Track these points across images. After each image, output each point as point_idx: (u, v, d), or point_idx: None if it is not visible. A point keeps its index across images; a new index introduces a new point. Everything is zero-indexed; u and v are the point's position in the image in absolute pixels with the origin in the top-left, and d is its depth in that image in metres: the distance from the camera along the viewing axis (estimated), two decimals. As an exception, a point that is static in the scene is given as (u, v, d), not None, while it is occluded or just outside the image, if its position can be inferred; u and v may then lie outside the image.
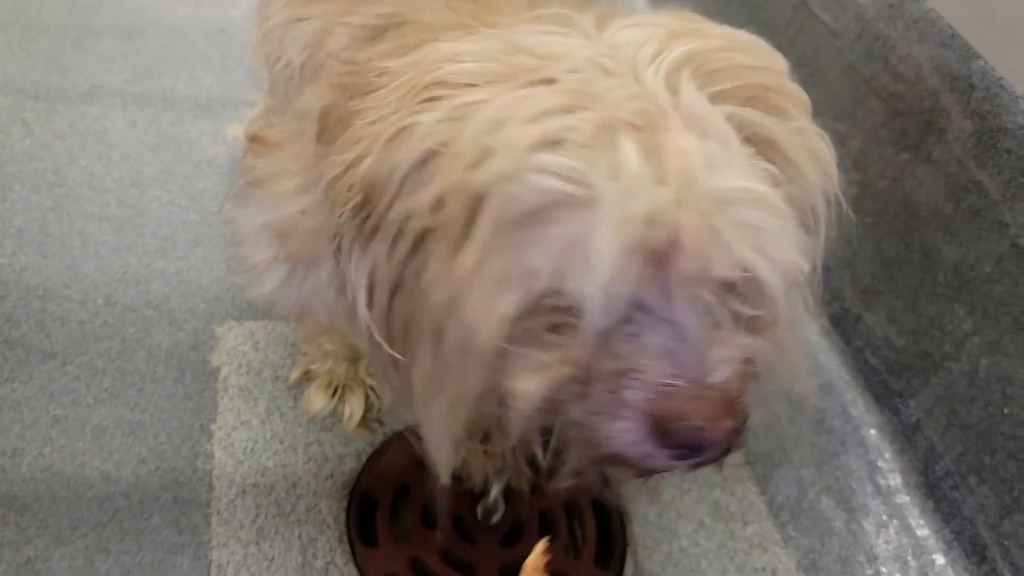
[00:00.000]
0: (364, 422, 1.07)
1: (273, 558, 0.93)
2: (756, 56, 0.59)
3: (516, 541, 0.99)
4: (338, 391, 1.09)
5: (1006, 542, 0.92)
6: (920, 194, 1.04)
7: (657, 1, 1.71)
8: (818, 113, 1.27)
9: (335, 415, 1.07)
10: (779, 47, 1.46)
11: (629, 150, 0.47)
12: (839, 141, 1.21)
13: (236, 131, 1.38)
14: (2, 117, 1.35)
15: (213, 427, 1.03)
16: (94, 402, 1.03)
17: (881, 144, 1.11)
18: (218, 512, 0.96)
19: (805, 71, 1.25)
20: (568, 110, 0.48)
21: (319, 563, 0.93)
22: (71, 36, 1.53)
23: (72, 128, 1.36)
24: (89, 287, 1.15)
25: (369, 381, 1.10)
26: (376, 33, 0.68)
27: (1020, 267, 0.90)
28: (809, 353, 1.19)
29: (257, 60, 0.84)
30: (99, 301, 1.14)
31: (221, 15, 1.65)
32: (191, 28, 1.61)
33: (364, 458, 1.04)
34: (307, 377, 1.10)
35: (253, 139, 0.83)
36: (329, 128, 0.60)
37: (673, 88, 0.51)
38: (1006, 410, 0.92)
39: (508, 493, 1.00)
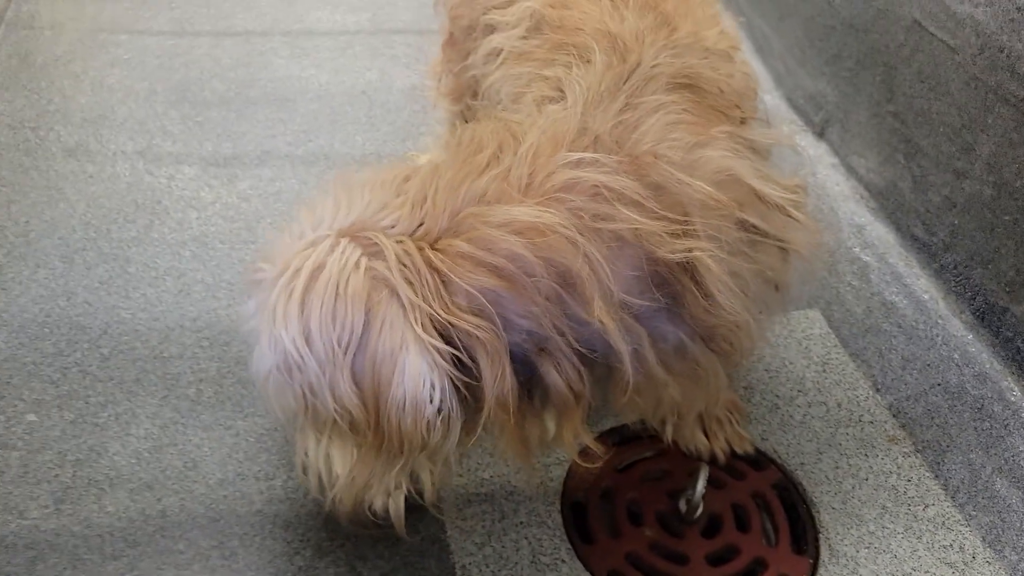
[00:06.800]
0: None
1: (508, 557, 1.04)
2: None
3: (716, 532, 1.09)
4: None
5: None
6: (1062, 191, 1.13)
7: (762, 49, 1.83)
8: (942, 124, 1.36)
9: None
10: (893, 67, 1.59)
11: None
12: (966, 148, 1.30)
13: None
14: (192, 184, 1.51)
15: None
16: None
17: (1014, 147, 1.20)
18: (451, 519, 1.07)
19: (924, 86, 1.35)
20: None
21: (546, 559, 1.04)
22: (234, 108, 1.69)
23: (253, 189, 1.51)
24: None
25: None
26: None
27: None
28: (957, 347, 1.27)
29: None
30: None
31: (359, 79, 1.81)
32: (335, 93, 1.76)
33: (567, 465, 1.14)
34: None
35: None
36: None
37: None
38: None
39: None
